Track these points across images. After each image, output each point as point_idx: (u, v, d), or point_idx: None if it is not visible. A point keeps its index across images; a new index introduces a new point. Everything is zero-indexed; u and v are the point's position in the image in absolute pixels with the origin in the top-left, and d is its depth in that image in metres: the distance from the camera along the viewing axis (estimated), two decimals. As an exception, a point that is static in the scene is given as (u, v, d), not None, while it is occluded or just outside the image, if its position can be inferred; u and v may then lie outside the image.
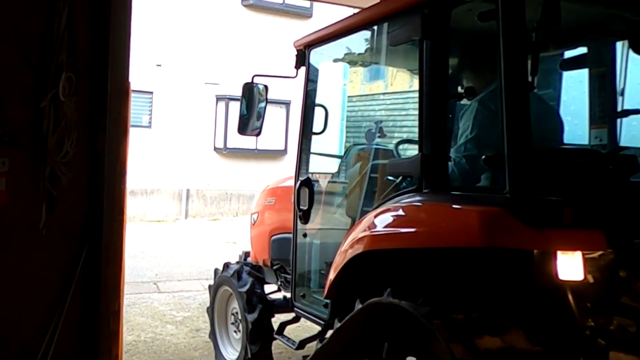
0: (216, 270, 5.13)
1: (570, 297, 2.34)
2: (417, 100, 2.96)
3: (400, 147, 4.07)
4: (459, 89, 3.35)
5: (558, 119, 3.28)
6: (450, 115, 3.09)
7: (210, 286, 5.22)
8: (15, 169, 3.43)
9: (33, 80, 3.44)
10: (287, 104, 14.95)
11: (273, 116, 14.10)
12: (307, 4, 15.65)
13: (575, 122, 3.81)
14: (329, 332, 3.70)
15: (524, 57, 2.50)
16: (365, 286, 3.03)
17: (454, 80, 3.30)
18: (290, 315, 4.50)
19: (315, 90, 4.12)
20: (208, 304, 5.27)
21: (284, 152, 15.71)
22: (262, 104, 4.20)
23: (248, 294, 4.59)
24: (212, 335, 5.17)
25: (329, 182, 4.35)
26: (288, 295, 4.53)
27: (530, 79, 2.49)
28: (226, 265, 4.97)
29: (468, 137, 2.97)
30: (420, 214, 2.91)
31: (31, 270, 3.52)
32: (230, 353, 4.96)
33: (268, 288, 4.95)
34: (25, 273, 3.51)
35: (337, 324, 3.13)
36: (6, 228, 3.44)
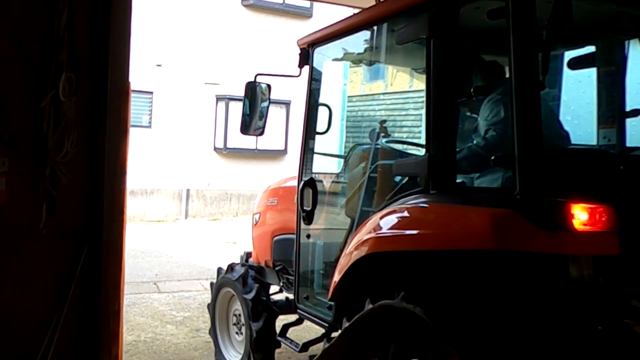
0: (219, 270, 5.05)
1: (581, 299, 2.31)
2: (417, 100, 2.94)
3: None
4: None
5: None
6: (458, 114, 3.06)
7: (212, 284, 5.17)
8: (15, 169, 3.42)
9: (33, 80, 3.43)
10: (287, 104, 14.92)
11: (273, 116, 14.05)
12: (307, 4, 15.62)
13: (577, 122, 3.77)
14: (333, 334, 3.66)
15: (535, 56, 2.46)
16: (370, 288, 2.98)
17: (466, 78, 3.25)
18: (293, 317, 4.45)
19: (318, 89, 4.07)
20: (208, 304, 5.23)
21: (284, 152, 15.67)
22: (265, 104, 4.14)
23: (254, 302, 4.52)
24: (213, 332, 5.13)
25: (333, 182, 4.30)
26: (290, 296, 4.49)
27: (540, 77, 2.45)
28: (231, 267, 4.88)
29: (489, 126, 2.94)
30: (429, 215, 2.86)
31: (31, 270, 3.51)
32: (232, 355, 4.90)
33: (270, 289, 4.89)
34: (25, 273, 3.49)
35: (346, 324, 3.08)
36: (6, 228, 3.43)
